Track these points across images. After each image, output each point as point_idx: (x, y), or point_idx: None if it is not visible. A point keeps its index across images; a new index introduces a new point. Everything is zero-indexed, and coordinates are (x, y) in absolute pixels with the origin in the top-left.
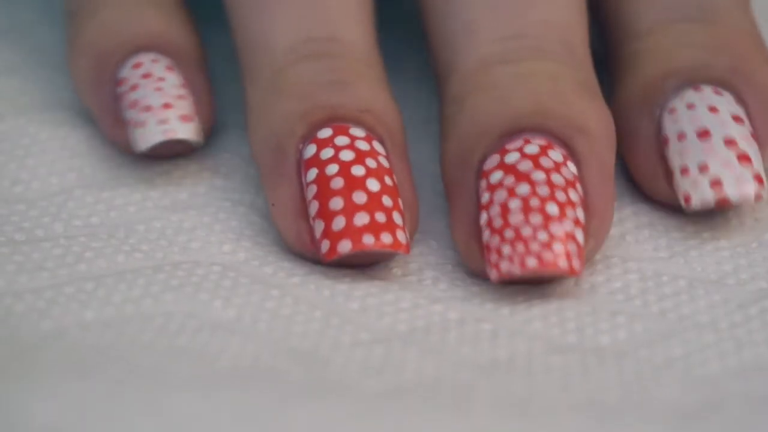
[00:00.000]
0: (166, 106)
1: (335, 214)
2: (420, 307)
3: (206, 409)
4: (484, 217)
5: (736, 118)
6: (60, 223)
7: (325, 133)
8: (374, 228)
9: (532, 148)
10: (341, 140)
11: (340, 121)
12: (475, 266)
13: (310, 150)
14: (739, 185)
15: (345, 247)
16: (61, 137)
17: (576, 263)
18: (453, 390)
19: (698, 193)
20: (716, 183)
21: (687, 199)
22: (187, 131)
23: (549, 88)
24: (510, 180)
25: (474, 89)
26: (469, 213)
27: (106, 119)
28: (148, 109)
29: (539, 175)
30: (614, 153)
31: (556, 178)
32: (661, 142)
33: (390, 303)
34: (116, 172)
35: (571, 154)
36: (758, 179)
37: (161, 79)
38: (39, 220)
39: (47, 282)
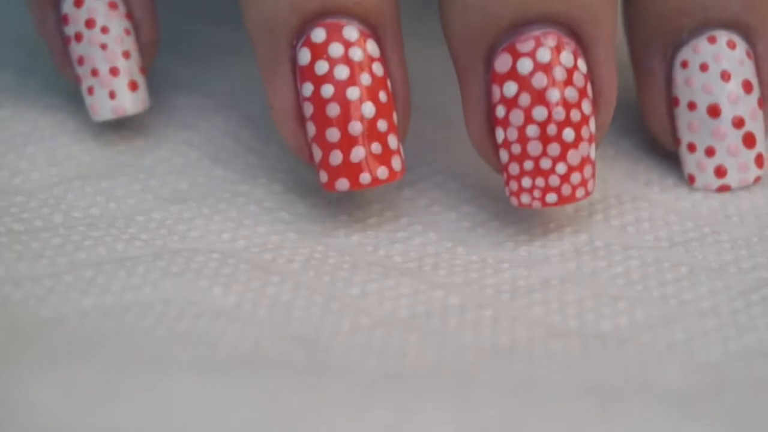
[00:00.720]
0: (113, 72)
1: (332, 146)
2: (421, 292)
3: (206, 394)
4: (500, 135)
5: (746, 85)
6: (59, 214)
7: (319, 36)
8: (370, 162)
9: (544, 54)
10: (335, 50)
11: (332, 15)
12: (491, 163)
13: (304, 56)
14: (741, 173)
15: (343, 185)
16: (61, 122)
17: (590, 185)
18: (454, 374)
19: (702, 177)
20: (721, 171)
21: (691, 179)
22: (134, 104)
23: None
24: (526, 99)
25: None
26: (481, 107)
27: (56, 57)
28: (95, 73)
29: (554, 94)
30: (616, 19)
31: (570, 94)
32: (671, 98)
33: (391, 288)
34: (116, 160)
35: (579, 40)
36: (759, 162)
37: (105, 29)
38: (38, 211)
39: (46, 270)
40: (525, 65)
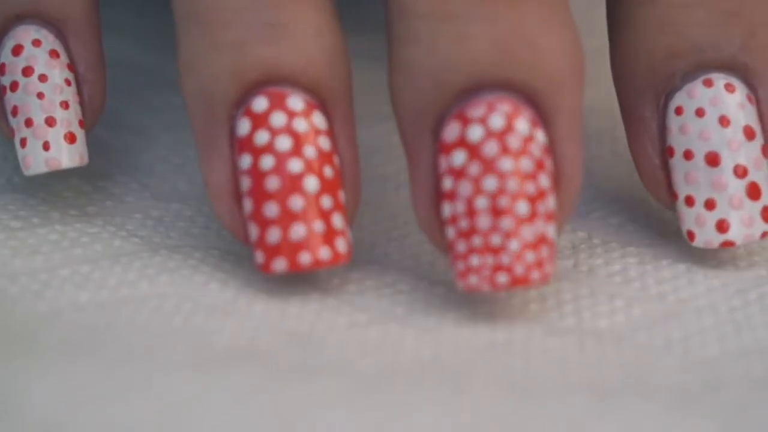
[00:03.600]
0: (49, 122)
1: (270, 223)
2: (418, 289)
3: (201, 390)
4: (447, 209)
5: (748, 131)
6: (56, 212)
7: (260, 105)
8: (311, 242)
9: (497, 121)
10: (277, 119)
11: (276, 83)
12: (437, 245)
13: (244, 126)
14: (746, 228)
15: (281, 266)
16: None
17: (548, 268)
18: (450, 370)
19: (703, 234)
20: (723, 225)
21: (690, 236)
22: (70, 157)
23: (512, 21)
24: (475, 168)
25: (427, 15)
26: (428, 183)
27: None
28: (28, 123)
29: (507, 164)
30: (583, 91)
31: (525, 164)
32: (665, 148)
33: (388, 285)
34: (114, 159)
35: (539, 111)
36: (765, 215)
37: (43, 77)
38: (35, 208)
39: (42, 265)
40: (475, 132)
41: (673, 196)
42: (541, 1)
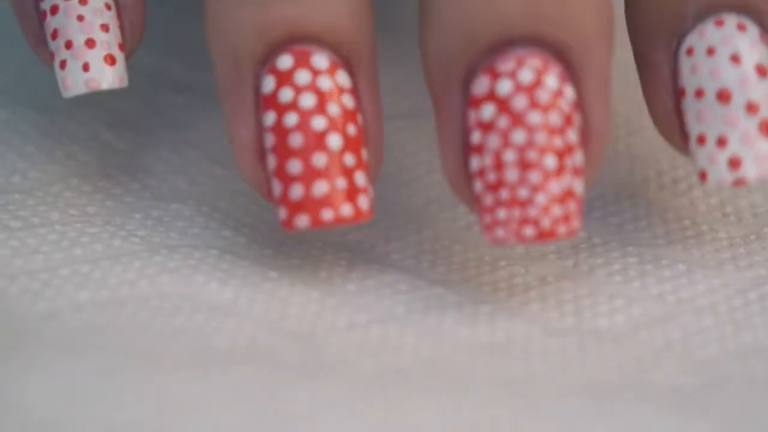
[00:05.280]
0: (89, 43)
1: (293, 179)
2: (418, 289)
3: (201, 390)
4: (475, 163)
5: (760, 69)
6: (56, 212)
7: (285, 63)
8: (334, 198)
9: (526, 75)
10: (302, 77)
11: (300, 42)
12: (465, 200)
13: (268, 84)
14: (759, 165)
15: (303, 222)
16: (59, 122)
17: (575, 223)
18: (450, 370)
19: (715, 171)
20: (735, 162)
21: (703, 176)
22: (111, 78)
23: None
24: (504, 122)
25: None
26: (457, 136)
27: (30, 35)
28: (68, 45)
29: (535, 118)
30: (612, 48)
31: (554, 118)
32: (678, 90)
33: (388, 285)
34: (114, 159)
35: (568, 67)
36: None
37: (84, 0)
38: (35, 208)
39: (42, 265)
40: (504, 86)
41: (685, 139)
42: None
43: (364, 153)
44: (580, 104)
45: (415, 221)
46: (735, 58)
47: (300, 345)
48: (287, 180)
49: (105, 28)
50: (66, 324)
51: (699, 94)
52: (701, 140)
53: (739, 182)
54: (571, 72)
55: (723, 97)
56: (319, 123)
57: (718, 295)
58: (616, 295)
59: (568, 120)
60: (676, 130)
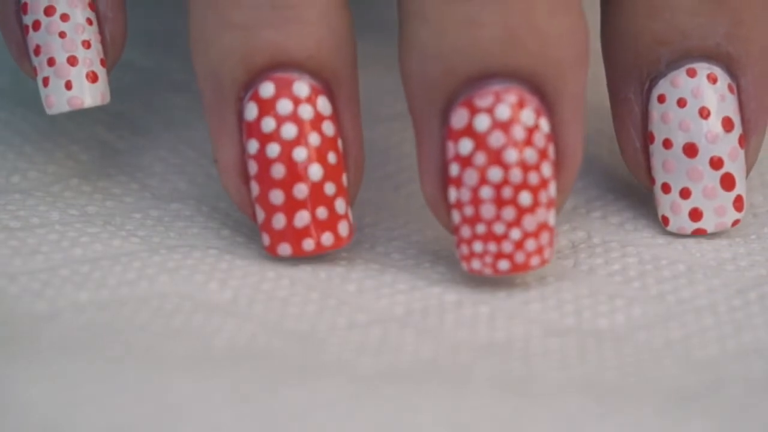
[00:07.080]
0: (71, 61)
1: (275, 209)
2: (417, 289)
3: (201, 389)
4: (453, 194)
5: (726, 123)
6: (56, 212)
7: (267, 90)
8: (315, 228)
9: (503, 111)
10: (284, 107)
11: (282, 69)
12: (443, 223)
13: (251, 111)
14: (718, 217)
15: (285, 251)
16: (59, 122)
17: (547, 253)
18: (450, 370)
19: (677, 220)
20: (696, 214)
21: (665, 221)
22: (93, 96)
23: (521, 7)
24: (481, 159)
25: None
26: (436, 164)
27: (14, 49)
28: (51, 63)
29: (512, 155)
30: (586, 75)
31: (529, 155)
32: (647, 134)
33: (388, 285)
34: (114, 159)
35: (543, 97)
36: (738, 205)
37: (65, 17)
38: (35, 208)
39: (42, 265)
40: (482, 122)
41: (651, 180)
42: None
43: (344, 179)
44: (553, 135)
45: (416, 221)
46: (704, 112)
47: (299, 345)
48: (270, 209)
49: (86, 44)
50: (66, 324)
51: (667, 144)
52: (666, 189)
53: (698, 232)
54: (546, 102)
55: (690, 151)
56: (300, 154)
57: (718, 295)
58: (616, 296)
59: (542, 155)
60: (643, 170)
